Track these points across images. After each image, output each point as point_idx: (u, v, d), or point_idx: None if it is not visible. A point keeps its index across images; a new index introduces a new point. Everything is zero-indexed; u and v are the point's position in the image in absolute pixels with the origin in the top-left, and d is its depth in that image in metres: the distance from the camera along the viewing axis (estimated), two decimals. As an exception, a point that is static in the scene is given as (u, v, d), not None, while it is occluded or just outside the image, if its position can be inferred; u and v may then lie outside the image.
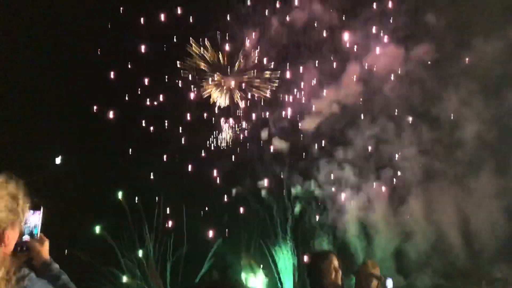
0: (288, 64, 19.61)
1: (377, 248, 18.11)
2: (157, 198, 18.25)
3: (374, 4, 18.47)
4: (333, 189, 18.87)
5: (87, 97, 18.48)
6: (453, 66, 17.74)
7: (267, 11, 19.56)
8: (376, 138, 18.24)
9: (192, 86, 20.31)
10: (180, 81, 20.10)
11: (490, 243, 16.51)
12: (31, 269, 2.18)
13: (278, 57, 19.86)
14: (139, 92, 19.31)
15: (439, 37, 17.95)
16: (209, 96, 20.39)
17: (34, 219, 2.40)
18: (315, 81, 19.45)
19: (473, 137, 16.90)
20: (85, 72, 18.17)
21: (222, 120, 20.59)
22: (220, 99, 20.57)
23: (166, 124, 19.64)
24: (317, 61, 19.20)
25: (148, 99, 19.59)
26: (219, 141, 20.59)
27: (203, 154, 20.13)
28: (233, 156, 19.89)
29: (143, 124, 19.31)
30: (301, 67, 19.28)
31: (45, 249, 2.45)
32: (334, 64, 19.08)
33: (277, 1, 19.51)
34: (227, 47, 20.31)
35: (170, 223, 18.50)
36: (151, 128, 19.39)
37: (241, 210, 19.38)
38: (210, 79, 20.52)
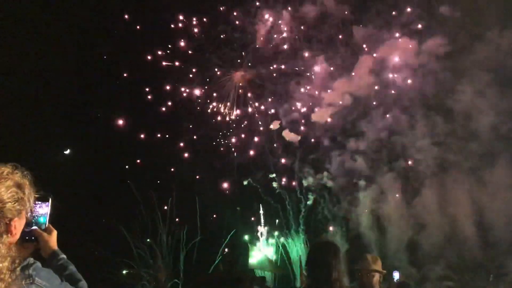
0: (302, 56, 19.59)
1: (389, 240, 18.05)
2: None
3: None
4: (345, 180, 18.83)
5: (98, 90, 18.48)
6: (467, 58, 17.75)
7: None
8: (390, 129, 18.24)
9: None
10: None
11: (503, 236, 16.47)
12: (39, 259, 2.17)
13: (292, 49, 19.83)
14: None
15: (453, 29, 17.98)
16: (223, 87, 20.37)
17: (42, 210, 2.39)
18: (328, 73, 19.44)
19: (487, 129, 16.90)
20: (94, 65, 18.20)
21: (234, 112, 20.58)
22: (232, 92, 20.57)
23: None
24: (330, 54, 19.24)
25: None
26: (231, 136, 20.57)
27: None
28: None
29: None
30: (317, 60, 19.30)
31: (52, 240, 2.43)
32: (347, 57, 19.13)
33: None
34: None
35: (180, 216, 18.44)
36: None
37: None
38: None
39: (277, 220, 19.48)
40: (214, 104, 20.57)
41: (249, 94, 20.89)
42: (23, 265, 2.00)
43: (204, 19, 19.81)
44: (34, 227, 2.37)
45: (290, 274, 19.23)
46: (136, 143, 18.65)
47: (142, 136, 18.75)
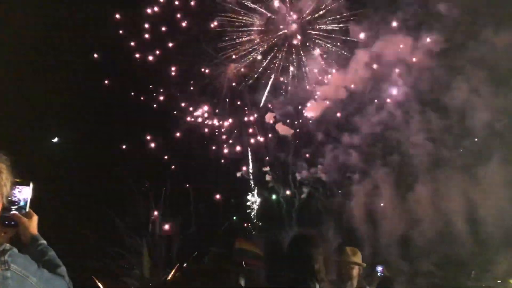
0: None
1: (381, 234, 18.19)
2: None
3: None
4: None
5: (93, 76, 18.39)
6: (462, 56, 17.79)
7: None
8: (383, 125, 18.32)
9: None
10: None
11: (487, 233, 16.61)
12: (19, 244, 2.15)
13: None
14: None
15: (449, 26, 18.00)
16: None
17: (23, 195, 2.34)
18: (323, 67, 19.45)
19: (481, 126, 17.00)
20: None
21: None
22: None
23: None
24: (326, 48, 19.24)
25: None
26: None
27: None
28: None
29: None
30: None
31: (33, 225, 2.38)
32: (343, 51, 19.14)
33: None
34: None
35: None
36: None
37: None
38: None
39: (270, 214, 19.54)
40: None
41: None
42: None
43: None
44: (14, 212, 2.32)
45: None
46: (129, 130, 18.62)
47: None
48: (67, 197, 15.90)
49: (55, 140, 17.48)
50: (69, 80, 17.54)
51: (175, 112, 19.66)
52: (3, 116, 14.29)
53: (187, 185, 18.55)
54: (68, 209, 15.74)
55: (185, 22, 19.50)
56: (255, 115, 20.28)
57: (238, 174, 19.68)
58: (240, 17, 19.61)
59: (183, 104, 19.73)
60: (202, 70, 19.83)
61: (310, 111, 19.15)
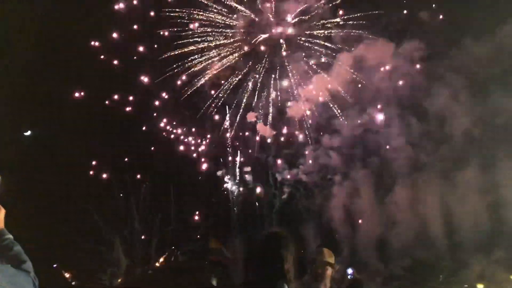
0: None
1: (359, 236, 18.46)
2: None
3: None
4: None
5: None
6: (442, 64, 18.16)
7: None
8: (364, 128, 18.60)
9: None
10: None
11: (464, 238, 16.98)
12: None
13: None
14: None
15: (430, 34, 18.34)
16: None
17: None
18: (306, 70, 19.59)
19: (460, 133, 17.39)
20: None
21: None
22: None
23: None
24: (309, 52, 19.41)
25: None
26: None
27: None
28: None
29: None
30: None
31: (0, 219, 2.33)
32: (325, 56, 19.34)
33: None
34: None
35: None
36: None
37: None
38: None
39: (250, 215, 19.59)
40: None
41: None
42: None
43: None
44: None
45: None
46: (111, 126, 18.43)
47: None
48: (39, 191, 15.57)
49: (28, 133, 17.10)
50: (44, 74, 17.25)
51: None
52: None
53: (168, 182, 18.43)
54: (41, 203, 15.48)
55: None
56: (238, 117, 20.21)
57: (219, 173, 19.68)
58: (222, 19, 19.58)
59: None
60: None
61: (292, 113, 19.27)
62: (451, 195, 17.03)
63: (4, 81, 15.87)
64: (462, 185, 17.01)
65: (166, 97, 19.69)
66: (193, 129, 20.17)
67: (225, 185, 20.00)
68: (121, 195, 17.82)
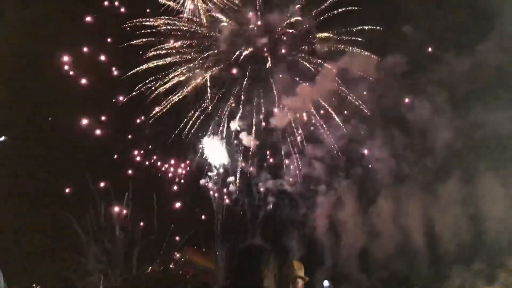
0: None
1: (341, 246, 18.50)
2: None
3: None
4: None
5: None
6: (423, 77, 18.51)
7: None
8: (348, 138, 18.78)
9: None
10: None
11: (444, 250, 17.14)
12: None
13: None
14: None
15: (412, 49, 18.69)
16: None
17: None
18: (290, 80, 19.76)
19: (441, 146, 17.66)
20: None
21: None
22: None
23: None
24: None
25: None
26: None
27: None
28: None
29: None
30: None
31: None
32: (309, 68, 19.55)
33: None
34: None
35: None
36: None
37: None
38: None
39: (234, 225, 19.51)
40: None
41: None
42: None
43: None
44: None
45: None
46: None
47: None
48: (15, 197, 15.31)
49: (2, 138, 16.81)
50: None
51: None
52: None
53: (150, 191, 18.30)
54: (17, 209, 15.20)
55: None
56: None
57: (202, 182, 19.61)
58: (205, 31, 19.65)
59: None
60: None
61: (276, 123, 19.37)
62: (432, 207, 17.24)
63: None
64: (443, 197, 17.26)
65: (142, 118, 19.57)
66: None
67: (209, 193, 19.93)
68: (102, 204, 17.54)
